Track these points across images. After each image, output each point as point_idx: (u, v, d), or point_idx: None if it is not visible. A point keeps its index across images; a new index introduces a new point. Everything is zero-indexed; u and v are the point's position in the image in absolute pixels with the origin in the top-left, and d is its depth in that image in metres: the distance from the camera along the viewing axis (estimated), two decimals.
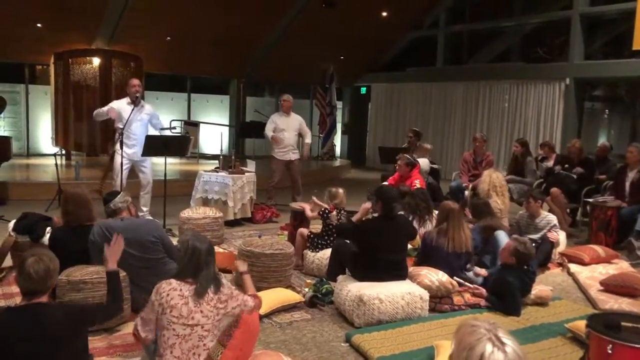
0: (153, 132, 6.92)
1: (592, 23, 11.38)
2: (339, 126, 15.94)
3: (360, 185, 10.49)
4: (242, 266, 3.56)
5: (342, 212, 5.54)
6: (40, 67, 13.27)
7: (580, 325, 3.64)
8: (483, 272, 4.90)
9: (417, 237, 5.55)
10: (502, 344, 1.62)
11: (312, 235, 5.50)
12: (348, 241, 4.87)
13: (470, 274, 4.89)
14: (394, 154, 8.31)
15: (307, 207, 5.76)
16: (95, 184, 8.18)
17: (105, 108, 6.79)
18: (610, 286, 4.96)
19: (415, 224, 5.88)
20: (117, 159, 6.64)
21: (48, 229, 4.70)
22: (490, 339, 1.63)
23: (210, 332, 2.77)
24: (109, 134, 7.20)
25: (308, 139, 8.56)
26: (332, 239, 5.36)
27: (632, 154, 6.89)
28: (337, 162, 14.97)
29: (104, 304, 3.04)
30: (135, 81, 6.86)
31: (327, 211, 5.43)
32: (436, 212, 5.77)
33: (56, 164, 8.01)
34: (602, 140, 11.37)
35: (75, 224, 4.14)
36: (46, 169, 10.42)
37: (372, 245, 4.37)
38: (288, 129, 8.29)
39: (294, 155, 8.41)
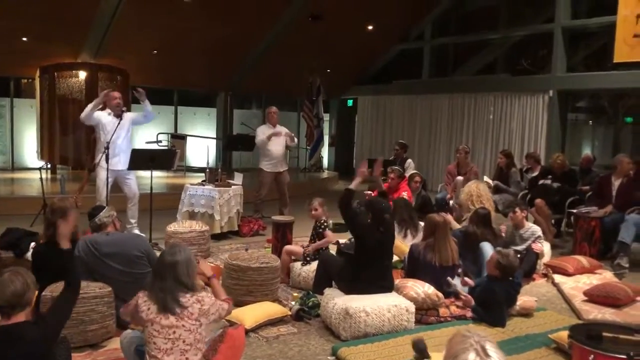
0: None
1: (574, 36, 11.55)
2: (326, 138, 16.00)
3: None
4: (208, 271, 3.39)
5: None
6: (26, 80, 13.21)
7: (564, 335, 3.68)
8: (470, 281, 4.92)
9: (404, 246, 5.60)
10: (487, 355, 1.67)
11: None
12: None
13: (457, 284, 4.92)
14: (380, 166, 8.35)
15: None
16: (73, 198, 8.13)
17: (91, 105, 6.57)
18: (594, 296, 5.02)
19: (409, 237, 5.95)
20: (102, 173, 6.52)
21: (32, 244, 4.67)
22: (476, 349, 1.68)
23: (192, 346, 2.77)
24: (92, 147, 7.13)
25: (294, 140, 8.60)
26: (322, 250, 5.37)
27: (629, 165, 7.00)
28: (325, 174, 15.00)
29: (61, 294, 2.84)
30: (116, 94, 6.81)
31: (324, 222, 5.45)
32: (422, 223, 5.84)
33: (41, 178, 7.94)
34: (586, 151, 11.52)
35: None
36: (31, 183, 10.35)
37: (373, 244, 4.40)
38: (275, 141, 8.30)
39: (282, 167, 8.42)
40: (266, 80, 14.12)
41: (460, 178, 7.87)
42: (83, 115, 6.63)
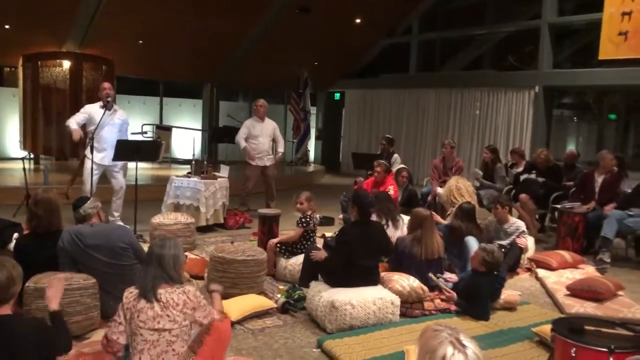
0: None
1: (560, 33, 11.64)
2: (312, 131, 15.97)
3: (334, 191, 10.52)
4: (215, 286, 3.55)
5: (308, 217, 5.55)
6: (8, 69, 13.01)
7: (547, 329, 3.72)
8: (454, 278, 4.96)
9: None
10: (463, 346, 1.69)
11: (283, 246, 5.49)
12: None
13: (440, 280, 4.95)
14: (367, 160, 8.37)
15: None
16: (64, 188, 8.08)
17: (71, 125, 6.48)
18: (576, 291, 5.08)
19: (391, 228, 5.95)
20: (87, 163, 6.50)
21: (15, 235, 4.61)
22: (452, 342, 1.70)
23: (179, 337, 2.75)
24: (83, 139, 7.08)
25: (281, 148, 8.54)
26: (308, 243, 5.37)
27: (612, 161, 7.10)
28: (311, 168, 14.98)
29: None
30: (106, 84, 6.79)
31: (307, 217, 5.44)
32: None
33: (24, 168, 7.83)
34: (571, 147, 11.64)
35: (43, 230, 4.07)
36: (13, 173, 10.20)
37: (351, 253, 4.40)
38: (262, 135, 8.27)
39: (268, 161, 8.38)
40: (253, 72, 14.04)
41: (440, 189, 7.88)
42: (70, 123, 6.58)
